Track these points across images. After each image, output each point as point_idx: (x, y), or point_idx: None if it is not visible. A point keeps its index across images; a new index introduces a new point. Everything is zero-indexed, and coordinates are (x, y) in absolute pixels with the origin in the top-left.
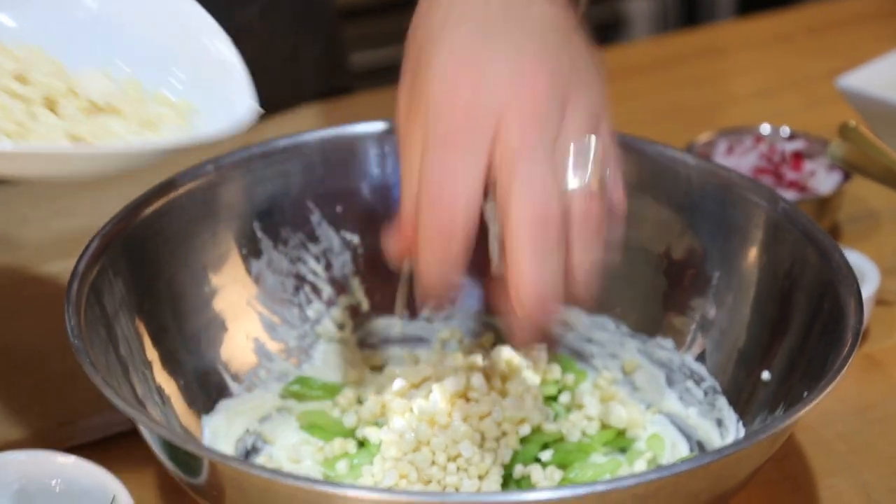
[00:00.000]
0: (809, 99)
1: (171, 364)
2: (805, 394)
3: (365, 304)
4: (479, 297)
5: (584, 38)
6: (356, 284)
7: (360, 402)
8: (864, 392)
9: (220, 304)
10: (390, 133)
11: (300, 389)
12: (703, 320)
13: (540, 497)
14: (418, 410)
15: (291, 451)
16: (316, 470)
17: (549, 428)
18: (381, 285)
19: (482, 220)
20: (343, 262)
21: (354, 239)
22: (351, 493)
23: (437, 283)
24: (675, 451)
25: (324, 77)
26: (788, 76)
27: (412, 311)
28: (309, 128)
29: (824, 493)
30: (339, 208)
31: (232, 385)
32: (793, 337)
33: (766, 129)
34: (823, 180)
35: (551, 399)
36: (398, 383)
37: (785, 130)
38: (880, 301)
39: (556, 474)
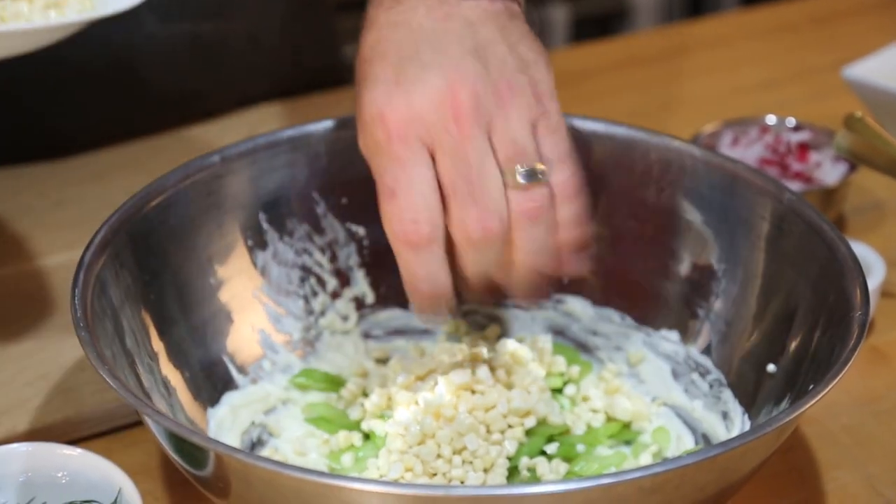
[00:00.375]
0: (815, 90)
1: (177, 356)
2: (811, 386)
3: (370, 296)
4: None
5: (523, 25)
6: (361, 276)
7: (365, 394)
8: (870, 384)
9: (226, 295)
10: None
11: (305, 381)
12: (709, 312)
13: (546, 490)
14: (424, 403)
15: (297, 444)
16: (321, 462)
17: (555, 420)
18: (387, 277)
19: None
20: (348, 254)
21: (360, 231)
22: (356, 485)
23: (426, 293)
24: (681, 443)
25: (318, 69)
26: (794, 67)
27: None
28: (305, 120)
29: (829, 486)
30: (344, 200)
31: (237, 377)
32: (798, 329)
33: (771, 119)
34: (829, 171)
35: (557, 391)
36: (403, 376)
37: (790, 121)
38: (886, 293)
39: (562, 467)
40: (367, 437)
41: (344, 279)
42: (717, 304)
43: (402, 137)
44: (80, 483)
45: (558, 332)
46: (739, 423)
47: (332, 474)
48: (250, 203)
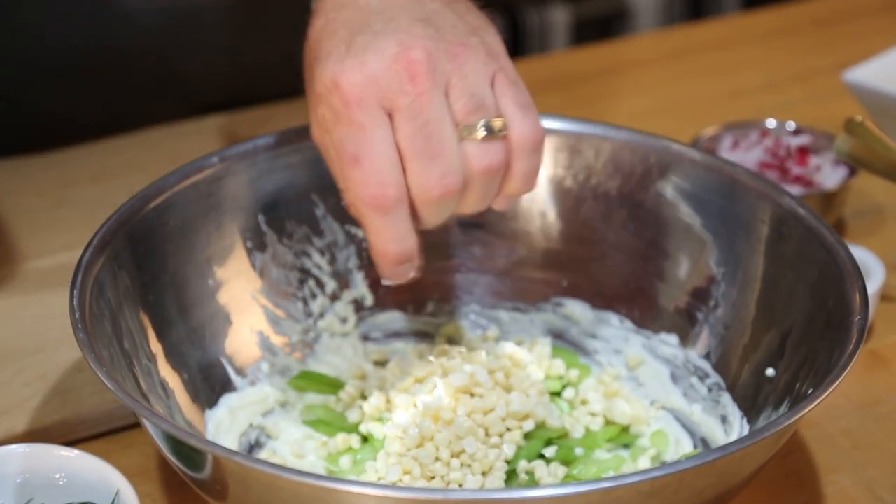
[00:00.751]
0: (815, 93)
1: (176, 357)
2: (810, 391)
3: (369, 299)
4: (482, 292)
5: (468, 2)
6: (360, 279)
7: (363, 397)
8: (869, 388)
9: (225, 297)
10: None
11: (304, 384)
12: (708, 316)
13: (544, 494)
14: (422, 406)
15: (295, 446)
16: (319, 465)
17: (553, 424)
18: None
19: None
20: (347, 256)
21: (359, 233)
22: (354, 488)
23: (395, 255)
24: (679, 447)
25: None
26: (794, 70)
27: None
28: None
29: (828, 490)
30: (343, 202)
31: (236, 379)
32: (798, 333)
33: (771, 123)
34: (829, 175)
35: (555, 395)
36: (402, 378)
37: (791, 125)
38: (885, 297)
39: (560, 471)
40: (365, 439)
41: (343, 281)
42: (717, 308)
43: (360, 102)
44: (78, 484)
45: (557, 335)
46: (738, 427)
47: (330, 477)
48: (249, 205)
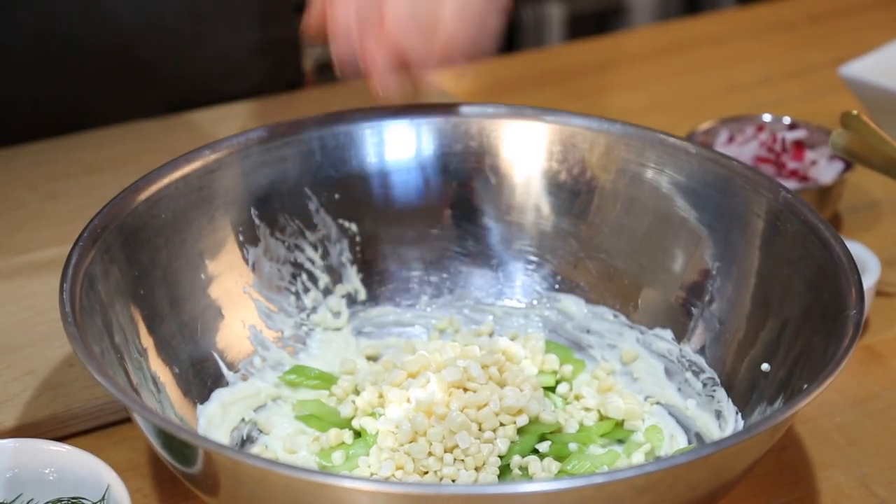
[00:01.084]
0: (811, 88)
1: (167, 352)
2: (805, 386)
3: (362, 293)
4: (475, 286)
5: None
6: (353, 273)
7: (356, 391)
8: (864, 384)
9: (217, 291)
10: (389, 120)
11: (296, 378)
12: (703, 311)
13: (537, 489)
14: (415, 400)
15: (287, 441)
16: (311, 460)
17: (547, 419)
18: (378, 274)
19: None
20: (340, 250)
21: (352, 227)
22: (347, 483)
23: (348, 57)
24: (674, 442)
25: (278, 68)
26: (790, 65)
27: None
28: (298, 115)
29: (823, 485)
30: (336, 196)
31: (227, 374)
32: (793, 328)
33: (767, 117)
34: (825, 170)
35: (549, 389)
36: (395, 373)
37: (786, 119)
38: (880, 292)
39: (554, 466)
40: (358, 434)
41: (336, 276)
42: (712, 303)
43: None
44: (68, 480)
45: (552, 330)
46: (733, 422)
47: (323, 472)
48: (242, 198)
